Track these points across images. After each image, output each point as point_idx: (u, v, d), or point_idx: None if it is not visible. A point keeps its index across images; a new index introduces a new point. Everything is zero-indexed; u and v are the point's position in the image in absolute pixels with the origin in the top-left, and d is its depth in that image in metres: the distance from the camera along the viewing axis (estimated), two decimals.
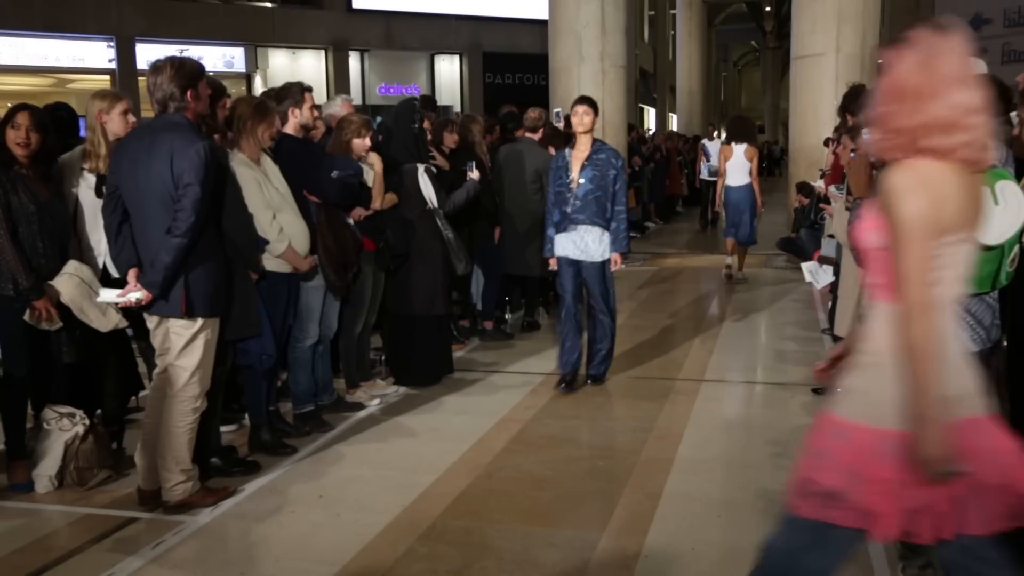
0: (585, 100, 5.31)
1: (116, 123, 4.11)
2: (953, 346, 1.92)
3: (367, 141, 4.99)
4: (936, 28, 1.91)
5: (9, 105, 3.95)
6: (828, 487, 1.93)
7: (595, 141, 5.26)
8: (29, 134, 3.83)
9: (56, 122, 4.48)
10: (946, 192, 1.84)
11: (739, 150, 9.19)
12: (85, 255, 4.12)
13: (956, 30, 1.91)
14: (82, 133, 4.70)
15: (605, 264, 5.27)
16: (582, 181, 5.18)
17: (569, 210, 5.21)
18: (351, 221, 4.90)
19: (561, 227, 5.29)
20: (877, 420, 1.89)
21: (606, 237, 5.22)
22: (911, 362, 1.82)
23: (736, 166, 9.20)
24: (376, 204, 5.08)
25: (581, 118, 5.22)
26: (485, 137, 6.88)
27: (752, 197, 9.23)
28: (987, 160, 1.92)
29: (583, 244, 5.24)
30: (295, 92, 4.74)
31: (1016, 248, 2.61)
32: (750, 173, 9.21)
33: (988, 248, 2.55)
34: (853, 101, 5.26)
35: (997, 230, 2.53)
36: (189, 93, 3.53)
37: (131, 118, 4.16)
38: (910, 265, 1.83)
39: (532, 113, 7.15)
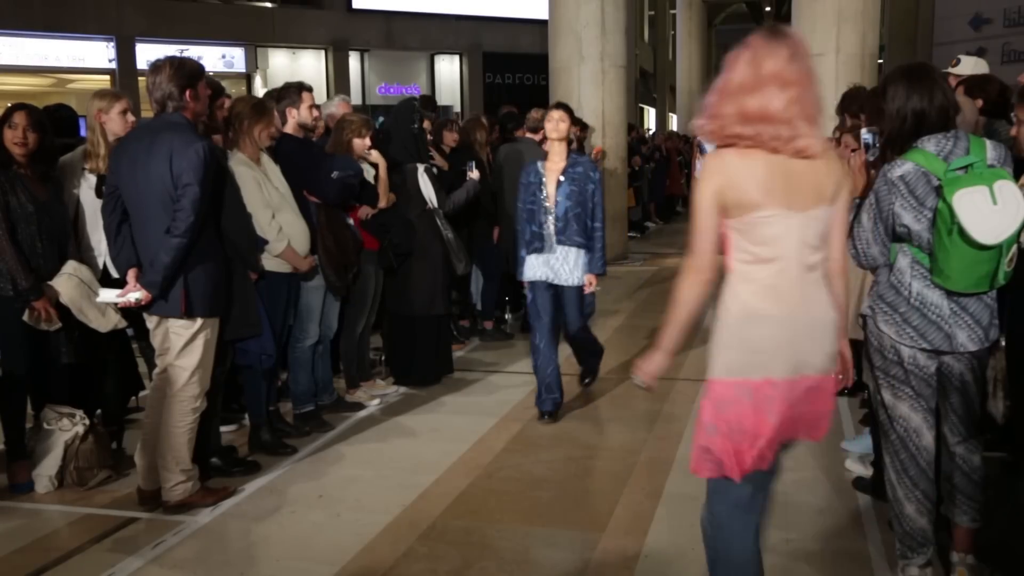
0: (562, 106, 4.85)
1: (115, 122, 4.11)
2: (770, 308, 2.21)
3: (367, 141, 5.00)
4: (771, 33, 2.20)
5: (8, 105, 3.95)
6: (704, 444, 2.30)
7: (570, 152, 4.82)
8: (26, 134, 3.82)
9: (57, 122, 4.49)
10: (740, 177, 2.16)
11: None
12: (85, 255, 4.13)
13: (790, 36, 2.19)
14: (83, 133, 4.71)
15: (582, 287, 4.80)
16: (560, 199, 4.67)
17: (550, 230, 4.70)
18: (351, 221, 4.91)
19: (535, 247, 4.77)
20: (715, 371, 2.27)
21: (583, 258, 4.74)
22: (672, 304, 2.27)
23: None
24: (382, 203, 5.09)
25: (556, 124, 4.72)
26: (488, 139, 6.90)
27: None
28: (800, 148, 2.16)
29: (557, 266, 4.74)
30: (292, 92, 4.76)
31: (1014, 248, 2.61)
32: None
33: (985, 247, 2.55)
34: (853, 101, 5.27)
35: (994, 229, 2.53)
36: (188, 93, 3.53)
37: (130, 117, 4.16)
38: (694, 235, 2.23)
39: (535, 114, 7.15)
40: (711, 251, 2.22)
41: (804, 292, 2.24)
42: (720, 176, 2.19)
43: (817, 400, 2.29)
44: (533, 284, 4.83)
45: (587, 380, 5.50)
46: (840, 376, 2.44)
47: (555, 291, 4.82)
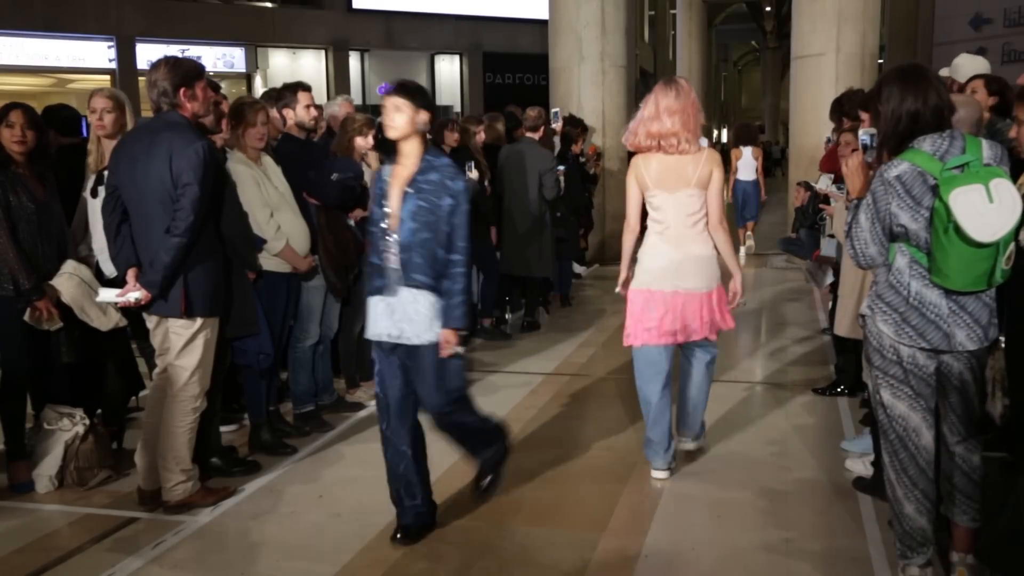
0: (402, 90, 3.31)
1: (92, 120, 4.09)
2: (660, 248, 3.82)
3: (369, 140, 4.98)
4: (666, 83, 3.78)
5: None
6: (627, 325, 3.94)
7: (426, 153, 3.33)
8: (25, 132, 3.82)
9: (60, 122, 4.51)
10: (643, 170, 3.80)
11: (747, 151, 11.64)
12: (80, 254, 4.13)
13: (678, 83, 3.76)
14: (85, 133, 4.71)
15: (436, 349, 3.30)
16: (404, 218, 3.28)
17: (389, 264, 3.32)
18: (352, 222, 4.90)
19: (375, 286, 3.38)
20: (638, 283, 3.88)
21: (438, 304, 3.31)
22: (622, 248, 3.98)
23: (745, 164, 11.54)
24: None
25: (390, 117, 3.28)
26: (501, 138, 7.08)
27: (756, 189, 11.60)
28: (682, 150, 3.71)
29: (402, 316, 3.31)
30: (288, 92, 4.76)
31: (1012, 246, 2.61)
32: (756, 170, 11.58)
33: (983, 245, 2.55)
34: (850, 105, 5.31)
35: (991, 227, 2.53)
36: (182, 91, 3.52)
37: (99, 114, 4.06)
38: (627, 206, 3.90)
39: (531, 112, 7.15)
40: (636, 216, 3.89)
41: (682, 240, 3.78)
42: (635, 170, 3.83)
43: (694, 308, 3.81)
44: (376, 344, 3.43)
45: (482, 483, 3.70)
46: (733, 295, 3.93)
47: (403, 360, 3.39)
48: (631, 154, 3.89)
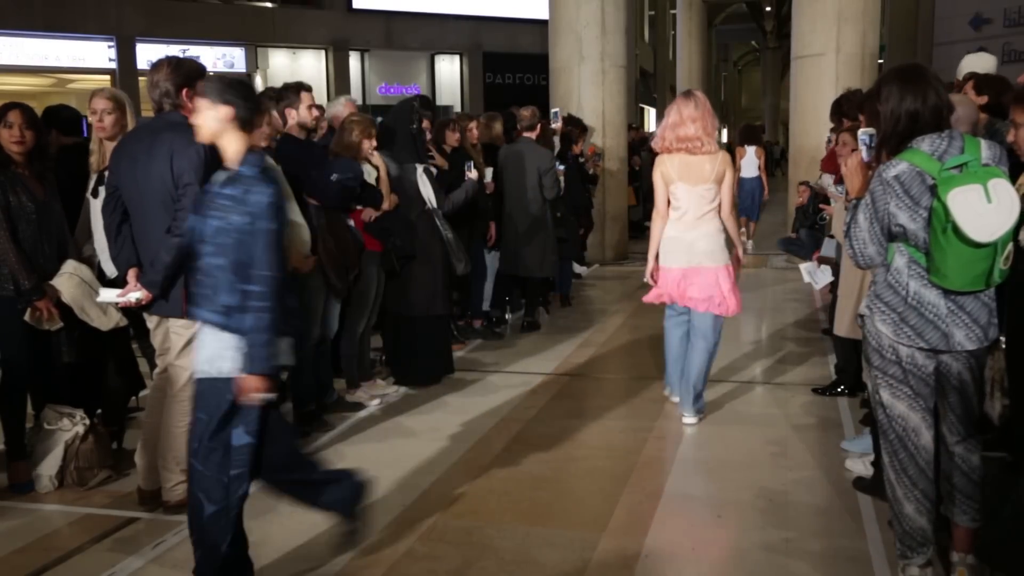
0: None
1: (92, 120, 4.09)
2: (678, 234, 4.58)
3: (373, 140, 5.00)
4: (685, 95, 4.56)
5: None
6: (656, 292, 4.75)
7: (246, 158, 2.83)
8: (23, 132, 3.82)
9: (62, 122, 4.50)
10: (667, 167, 4.53)
11: (750, 150, 12.39)
12: (85, 254, 4.13)
13: (695, 94, 4.53)
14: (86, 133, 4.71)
15: (218, 386, 2.81)
16: (205, 239, 2.83)
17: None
18: (351, 223, 4.90)
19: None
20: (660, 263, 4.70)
21: (219, 341, 2.80)
22: (650, 234, 4.75)
23: (748, 162, 12.29)
24: (386, 205, 5.07)
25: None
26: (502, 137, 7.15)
27: (760, 185, 12.37)
28: (704, 151, 4.48)
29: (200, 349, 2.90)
30: (291, 92, 4.76)
31: (1010, 246, 2.61)
32: (759, 168, 12.32)
33: (981, 245, 2.55)
34: (849, 105, 5.30)
35: (989, 227, 2.53)
36: (184, 92, 3.52)
37: (99, 115, 4.01)
38: (656, 197, 4.66)
39: (525, 112, 7.14)
40: (664, 205, 4.60)
41: (697, 225, 4.54)
42: (662, 166, 4.55)
43: (704, 279, 4.56)
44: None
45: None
46: (736, 260, 4.77)
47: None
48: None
